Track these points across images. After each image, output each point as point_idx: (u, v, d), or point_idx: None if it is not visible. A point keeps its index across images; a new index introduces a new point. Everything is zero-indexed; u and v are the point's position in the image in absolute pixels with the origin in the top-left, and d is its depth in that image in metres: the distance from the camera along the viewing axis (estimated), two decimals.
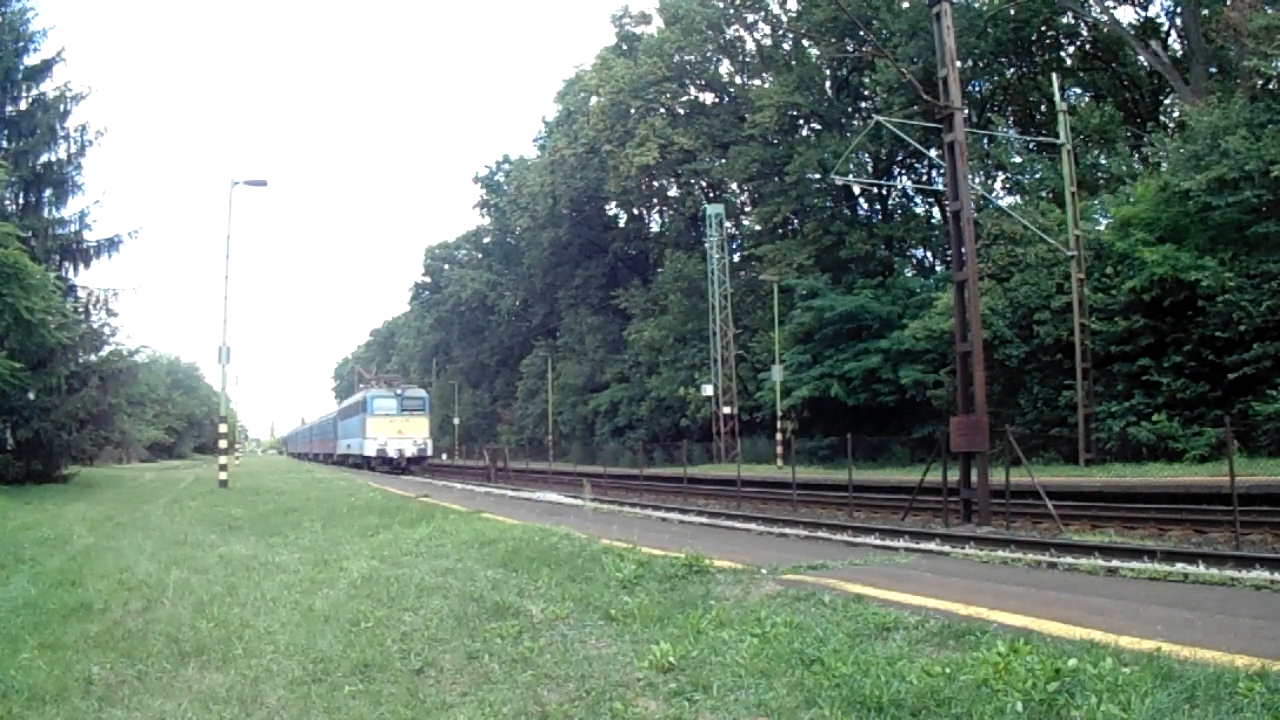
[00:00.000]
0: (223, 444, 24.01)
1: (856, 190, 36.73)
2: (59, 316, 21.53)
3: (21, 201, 26.14)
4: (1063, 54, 31.90)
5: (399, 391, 35.68)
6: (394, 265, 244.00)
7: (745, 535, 9.47)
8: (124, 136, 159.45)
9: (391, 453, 33.59)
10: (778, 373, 29.36)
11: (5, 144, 25.90)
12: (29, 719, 4.00)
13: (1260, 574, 5.99)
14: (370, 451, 33.82)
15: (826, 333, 29.57)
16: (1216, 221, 18.40)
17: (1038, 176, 27.11)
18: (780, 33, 40.18)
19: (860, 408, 27.72)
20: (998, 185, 31.48)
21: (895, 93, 30.17)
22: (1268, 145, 17.06)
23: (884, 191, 36.93)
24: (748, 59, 42.80)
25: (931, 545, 8.50)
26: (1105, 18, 28.76)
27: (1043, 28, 30.68)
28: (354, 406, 39.59)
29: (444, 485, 22.37)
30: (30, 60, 26.40)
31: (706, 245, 36.89)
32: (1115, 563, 6.67)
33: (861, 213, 38.57)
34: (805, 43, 38.43)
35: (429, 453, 35.76)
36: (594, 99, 43.57)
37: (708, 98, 44.26)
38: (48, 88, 26.66)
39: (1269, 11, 18.71)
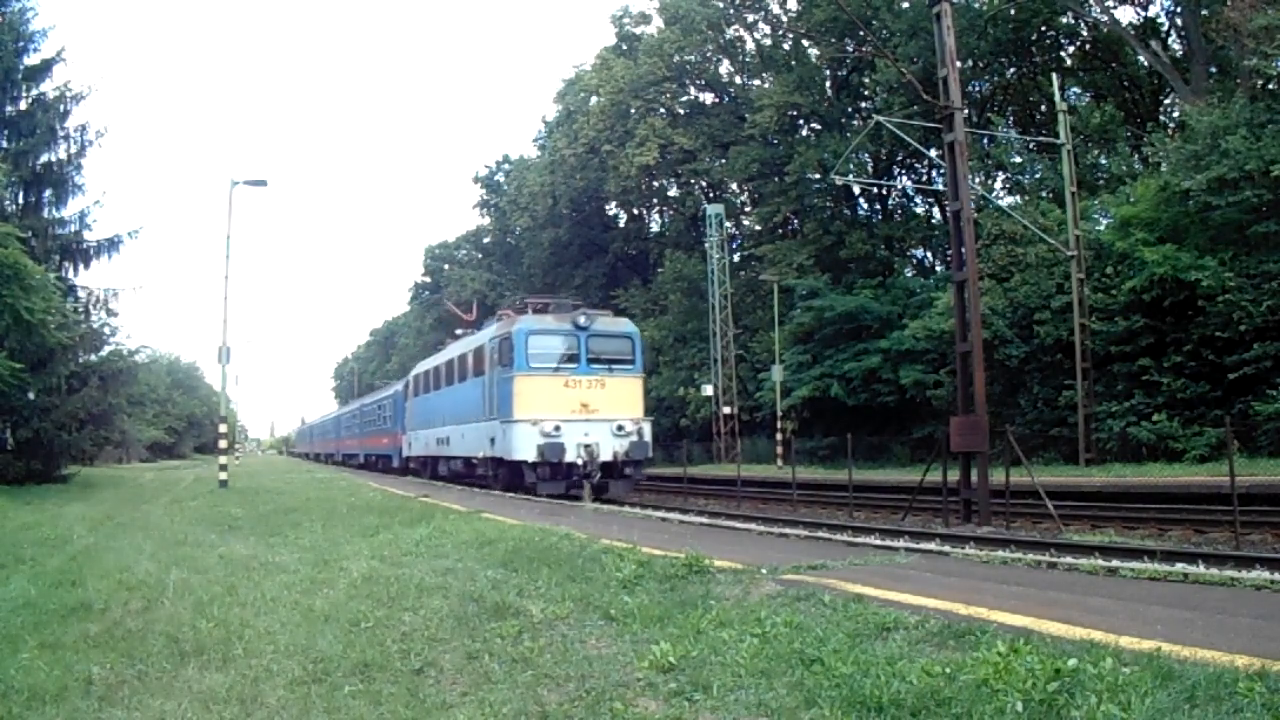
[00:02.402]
0: (223, 444, 23.99)
1: (856, 190, 36.71)
2: (59, 317, 21.55)
3: (21, 201, 26.18)
4: (1063, 54, 31.90)
5: (582, 322, 17.46)
6: (394, 265, 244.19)
7: (745, 535, 9.46)
8: (124, 136, 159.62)
9: (572, 452, 16.39)
10: (778, 373, 29.36)
11: (5, 144, 25.93)
12: (29, 719, 4.01)
13: (1260, 574, 5.99)
14: (523, 450, 16.36)
15: (826, 333, 29.57)
16: (1216, 221, 18.40)
17: (1038, 176, 27.12)
18: (780, 33, 40.19)
19: (860, 408, 27.72)
20: (998, 185, 31.49)
21: (895, 93, 30.18)
22: (1268, 145, 17.06)
23: (884, 191, 36.94)
24: (748, 59, 42.81)
25: (931, 545, 8.49)
26: (1105, 18, 28.77)
27: (1043, 28, 30.68)
28: (469, 360, 20.33)
29: (444, 485, 22.36)
30: (30, 60, 26.45)
31: (706, 245, 36.88)
32: (1115, 563, 6.66)
33: (861, 213, 38.57)
34: (805, 43, 38.41)
35: (649, 451, 18.03)
36: (594, 99, 43.54)
37: (708, 98, 44.28)
38: (48, 88, 26.73)
39: (1269, 11, 18.68)
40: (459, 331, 26.09)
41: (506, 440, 16.96)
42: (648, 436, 17.61)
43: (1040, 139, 26.11)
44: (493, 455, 18.00)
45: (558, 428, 16.42)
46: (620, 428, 17.00)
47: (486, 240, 65.50)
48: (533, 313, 18.66)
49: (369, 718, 3.76)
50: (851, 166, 32.24)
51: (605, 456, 16.71)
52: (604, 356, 17.50)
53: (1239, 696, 3.04)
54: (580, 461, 16.50)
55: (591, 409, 16.99)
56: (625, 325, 19.03)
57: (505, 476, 17.86)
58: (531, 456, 16.34)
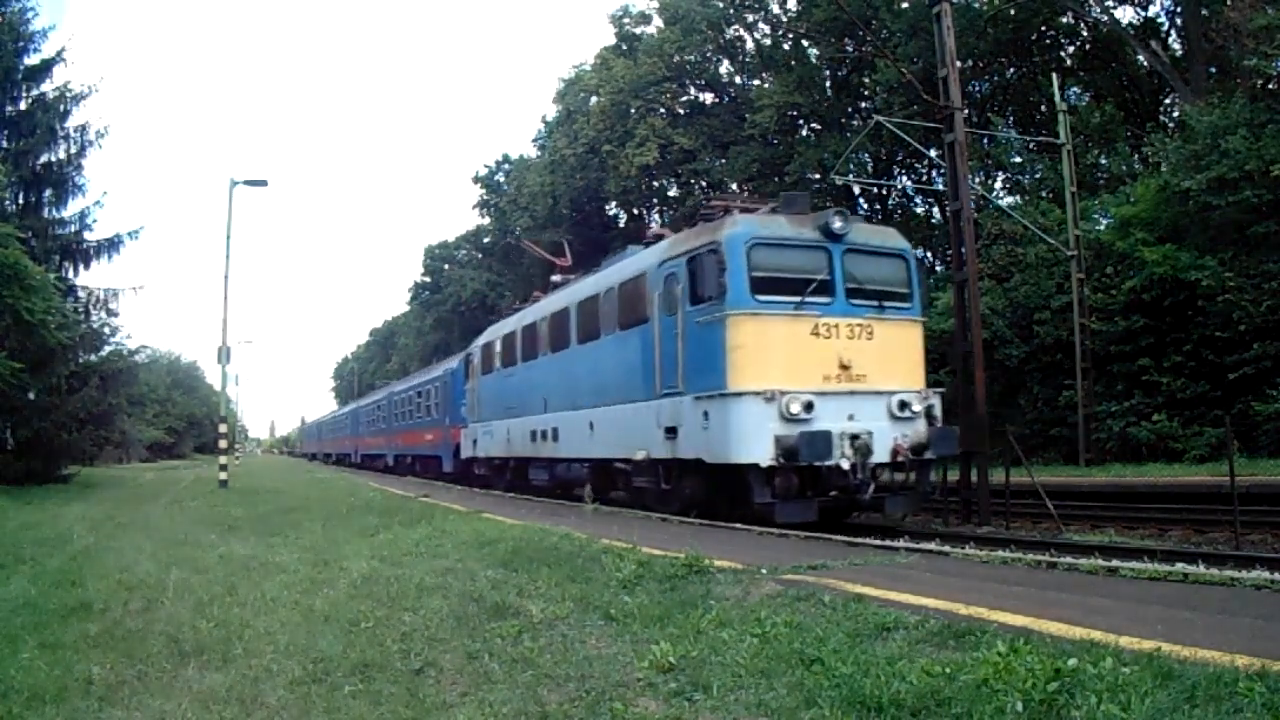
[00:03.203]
0: (223, 444, 24.02)
1: (857, 190, 36.70)
2: (59, 317, 21.59)
3: (21, 201, 26.21)
4: (1063, 54, 31.89)
5: (837, 227, 10.14)
6: (394, 265, 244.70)
7: (745, 535, 9.45)
8: (124, 136, 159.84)
9: (838, 450, 9.27)
10: None
11: (5, 144, 25.98)
12: (29, 719, 4.01)
13: (1260, 574, 5.98)
14: (751, 447, 9.16)
15: None
16: (1216, 221, 18.40)
17: (1038, 176, 27.12)
18: (780, 33, 40.19)
19: None
20: (998, 185, 31.50)
21: (895, 93, 30.16)
22: (1268, 145, 17.06)
23: (884, 191, 36.94)
24: (748, 59, 42.84)
25: (931, 545, 8.49)
26: (1105, 18, 28.78)
27: (1043, 28, 30.67)
28: (606, 303, 13.07)
29: (444, 485, 22.36)
30: (30, 60, 26.49)
31: None
32: (1115, 563, 6.66)
33: (861, 213, 38.53)
34: (805, 43, 38.42)
35: (956, 444, 11.17)
36: (594, 99, 43.58)
37: (708, 98, 44.28)
38: (48, 88, 26.79)
39: (1269, 11, 18.69)
40: (556, 279, 18.23)
41: (716, 429, 9.75)
42: (940, 417, 10.93)
43: (1040, 139, 26.09)
44: (671, 456, 10.71)
45: (810, 406, 9.48)
46: (903, 404, 10.33)
47: (486, 240, 65.50)
48: (740, 212, 11.00)
49: (369, 718, 3.76)
50: (851, 166, 32.21)
51: (881, 455, 9.87)
52: (869, 286, 10.57)
53: (1239, 696, 3.04)
54: (849, 465, 9.51)
55: (856, 375, 10.11)
56: (895, 237, 11.67)
57: (697, 492, 10.65)
58: (767, 458, 9.27)
